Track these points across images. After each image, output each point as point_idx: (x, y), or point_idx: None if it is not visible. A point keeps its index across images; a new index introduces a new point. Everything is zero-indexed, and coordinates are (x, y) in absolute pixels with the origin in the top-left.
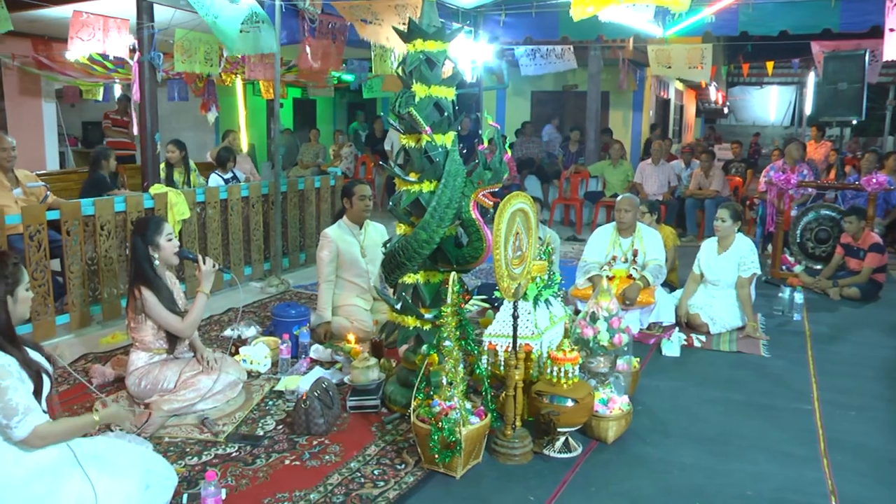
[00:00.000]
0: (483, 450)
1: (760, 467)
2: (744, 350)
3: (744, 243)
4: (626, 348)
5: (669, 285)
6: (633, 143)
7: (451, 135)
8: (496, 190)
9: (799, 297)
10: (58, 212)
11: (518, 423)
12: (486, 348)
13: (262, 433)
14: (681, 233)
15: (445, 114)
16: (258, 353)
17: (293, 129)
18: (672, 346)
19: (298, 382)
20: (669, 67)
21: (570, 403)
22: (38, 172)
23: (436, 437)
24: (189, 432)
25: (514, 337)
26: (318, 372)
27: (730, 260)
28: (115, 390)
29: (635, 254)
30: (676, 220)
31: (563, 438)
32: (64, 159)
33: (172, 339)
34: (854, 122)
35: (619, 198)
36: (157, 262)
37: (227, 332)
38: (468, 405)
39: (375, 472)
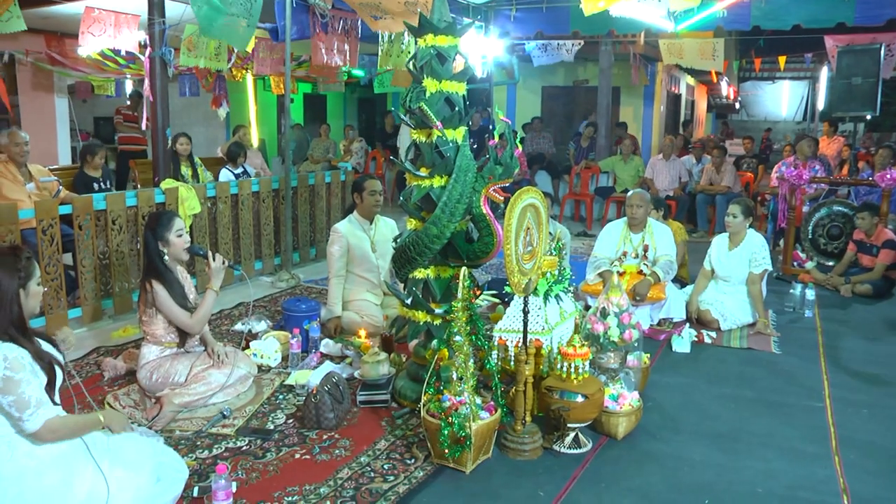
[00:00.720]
0: (493, 445)
1: (771, 464)
2: (755, 346)
3: (755, 239)
4: (636, 344)
5: (680, 281)
6: (644, 138)
7: (462, 130)
8: (507, 185)
9: (810, 294)
10: (70, 206)
11: (528, 419)
12: (496, 343)
13: (272, 427)
14: (691, 229)
15: (456, 109)
16: (269, 347)
17: (304, 124)
18: (682, 343)
19: (309, 377)
20: (682, 58)
21: (580, 399)
22: (50, 167)
23: (446, 432)
24: (200, 425)
25: (525, 332)
26: (328, 366)
27: (741, 256)
28: (127, 384)
29: (646, 249)
30: (687, 215)
31: (573, 434)
32: (76, 154)
33: (183, 333)
34: (868, 117)
35: (630, 193)
36: (167, 258)
37: (238, 327)
38: (478, 400)
39: (385, 466)
